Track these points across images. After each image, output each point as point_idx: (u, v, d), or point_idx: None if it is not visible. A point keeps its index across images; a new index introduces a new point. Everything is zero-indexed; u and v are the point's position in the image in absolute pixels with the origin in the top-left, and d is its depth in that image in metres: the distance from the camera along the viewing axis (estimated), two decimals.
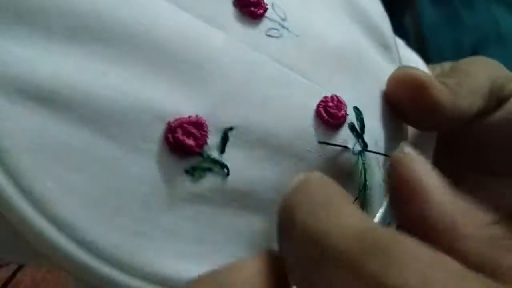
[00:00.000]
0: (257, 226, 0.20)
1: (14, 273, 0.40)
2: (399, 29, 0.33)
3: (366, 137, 0.22)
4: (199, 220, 0.18)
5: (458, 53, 0.47)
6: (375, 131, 0.23)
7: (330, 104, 0.21)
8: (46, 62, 0.16)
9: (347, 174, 0.22)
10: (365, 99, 0.24)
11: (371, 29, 0.27)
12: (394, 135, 0.25)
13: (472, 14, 0.56)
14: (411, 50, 0.33)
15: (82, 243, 0.15)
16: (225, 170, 0.18)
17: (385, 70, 0.25)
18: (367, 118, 0.23)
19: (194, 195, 0.18)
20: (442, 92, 0.23)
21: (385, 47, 0.27)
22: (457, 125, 0.26)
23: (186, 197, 0.18)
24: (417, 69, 0.24)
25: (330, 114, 0.21)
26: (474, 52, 0.54)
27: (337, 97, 0.21)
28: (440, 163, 0.26)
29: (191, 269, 0.17)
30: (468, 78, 0.26)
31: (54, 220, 0.15)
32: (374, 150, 0.23)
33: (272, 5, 0.22)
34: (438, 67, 0.31)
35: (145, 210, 0.17)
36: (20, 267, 0.39)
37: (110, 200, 0.16)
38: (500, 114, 0.27)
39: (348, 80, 0.23)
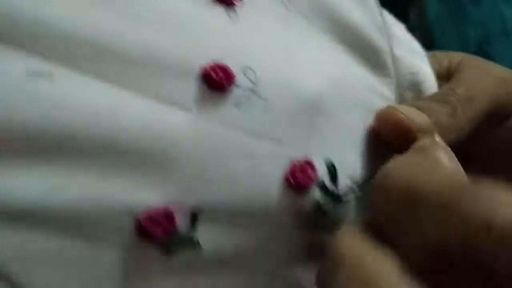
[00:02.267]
0: (244, 282, 0.22)
1: None
2: (403, 23, 0.33)
3: (341, 187, 0.23)
4: None
5: (463, 48, 0.46)
6: (353, 172, 0.24)
7: (298, 173, 0.22)
8: (17, 186, 0.18)
9: (326, 230, 0.23)
10: (345, 138, 0.24)
11: (363, 50, 0.27)
12: (379, 162, 0.25)
13: (477, 9, 0.55)
14: (411, 38, 0.32)
15: None
16: (198, 245, 0.20)
17: (376, 92, 0.26)
18: (344, 165, 0.23)
19: (170, 268, 0.20)
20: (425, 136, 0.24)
21: (379, 65, 0.27)
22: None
23: (164, 271, 0.20)
24: (400, 111, 0.24)
25: (297, 181, 0.22)
26: (480, 47, 0.53)
27: (305, 161, 0.22)
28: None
29: None
30: (465, 105, 0.26)
31: None
32: (352, 192, 0.23)
33: (244, 70, 0.22)
34: (445, 59, 0.30)
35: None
36: None
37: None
38: (501, 130, 0.27)
39: (328, 128, 0.24)
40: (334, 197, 0.23)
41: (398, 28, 0.29)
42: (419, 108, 0.25)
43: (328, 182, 0.23)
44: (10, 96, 0.18)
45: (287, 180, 0.21)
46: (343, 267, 0.16)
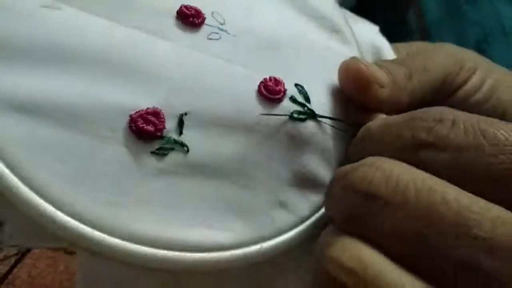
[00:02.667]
0: (224, 191, 0.23)
1: (11, 269, 0.40)
2: (402, 25, 0.33)
3: (314, 106, 0.25)
4: (169, 191, 0.22)
5: None
6: (323, 102, 0.26)
7: (269, 83, 0.24)
8: (25, 81, 0.21)
9: (300, 140, 0.24)
10: (310, 78, 0.26)
11: (319, 19, 0.30)
12: (345, 104, 0.27)
13: (475, 10, 0.55)
14: (372, 27, 0.34)
15: (72, 215, 0.20)
16: (185, 148, 0.22)
17: (336, 52, 0.29)
18: (313, 93, 0.25)
19: (161, 170, 0.22)
20: (383, 92, 0.25)
21: (337, 32, 0.30)
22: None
23: (154, 173, 0.22)
24: (362, 62, 0.26)
25: (269, 90, 0.24)
26: (478, 47, 0.53)
27: (274, 78, 0.24)
28: None
29: (161, 230, 0.21)
30: (420, 73, 0.27)
31: (51, 201, 0.20)
32: (326, 119, 0.25)
33: (212, 13, 0.25)
34: (405, 47, 0.32)
35: (117, 186, 0.21)
36: (16, 263, 0.39)
37: (89, 181, 0.20)
38: (450, 101, 0.28)
39: (286, 64, 0.26)
40: (307, 109, 0.25)
41: (351, 14, 0.33)
42: (379, 66, 0.26)
43: (299, 97, 0.25)
44: (25, 19, 0.21)
45: (259, 91, 0.24)
46: None
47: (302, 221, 0.24)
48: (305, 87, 0.25)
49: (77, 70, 0.21)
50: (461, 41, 0.59)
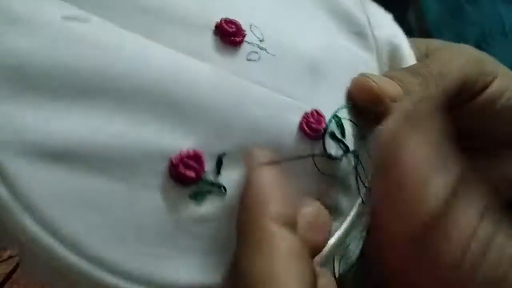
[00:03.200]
0: None
1: (16, 268, 0.40)
2: (402, 25, 0.33)
3: (348, 140, 0.25)
4: (211, 235, 0.21)
5: None
6: (354, 131, 0.25)
7: (311, 119, 0.23)
8: (56, 124, 0.18)
9: (334, 176, 0.24)
10: (341, 97, 0.25)
11: (344, 18, 0.28)
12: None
13: (476, 10, 0.55)
14: (386, 17, 0.33)
15: (112, 271, 0.18)
16: (222, 189, 0.21)
17: (361, 59, 0.28)
18: (346, 121, 0.25)
19: (199, 215, 0.21)
20: (393, 104, 0.25)
21: (360, 35, 0.29)
22: None
23: (195, 218, 0.20)
24: (372, 79, 0.25)
25: (311, 128, 0.23)
26: (478, 47, 0.53)
27: (316, 111, 0.24)
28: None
29: (209, 276, 0.20)
30: (439, 77, 0.27)
31: (91, 260, 0.18)
32: (357, 146, 0.25)
33: (250, 26, 0.23)
34: (424, 43, 0.32)
35: (159, 236, 0.20)
36: (19, 263, 0.39)
37: (129, 233, 0.19)
38: (473, 105, 0.28)
39: (326, 87, 0.25)
40: (343, 147, 0.24)
41: (374, 7, 0.31)
42: (391, 77, 0.26)
43: (337, 133, 0.24)
44: (46, 37, 0.18)
45: (301, 127, 0.23)
46: None
47: None
48: (340, 116, 0.25)
49: (114, 106, 0.19)
50: (460, 41, 0.58)
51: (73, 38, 0.19)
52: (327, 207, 0.25)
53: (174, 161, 0.20)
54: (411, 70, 0.28)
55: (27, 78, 0.18)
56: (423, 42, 0.31)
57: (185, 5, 0.22)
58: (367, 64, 0.28)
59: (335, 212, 0.26)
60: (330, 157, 0.24)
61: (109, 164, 0.19)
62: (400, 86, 0.26)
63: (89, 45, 0.19)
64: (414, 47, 0.31)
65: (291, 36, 0.25)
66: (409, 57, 0.30)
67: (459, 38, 0.56)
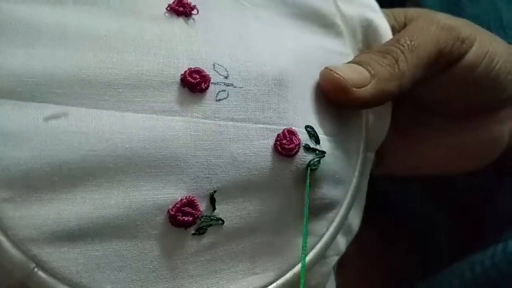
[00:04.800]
0: (259, 241, 0.26)
1: None
2: None
3: (323, 144, 0.27)
4: (214, 259, 0.24)
5: None
6: (328, 127, 0.28)
7: (283, 141, 0.25)
8: (65, 210, 0.21)
9: (317, 179, 0.27)
10: (314, 101, 0.27)
11: (311, 16, 0.30)
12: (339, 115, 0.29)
13: (474, 4, 0.55)
14: None
15: None
16: (220, 221, 0.25)
17: (336, 52, 0.30)
18: (321, 124, 0.27)
19: (204, 246, 0.24)
20: (365, 91, 0.26)
21: (329, 26, 0.30)
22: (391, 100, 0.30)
23: (199, 249, 0.24)
24: (335, 72, 0.26)
25: (284, 149, 0.25)
26: None
27: (288, 130, 0.26)
28: (407, 108, 0.28)
29: None
30: (410, 51, 0.27)
31: None
32: (334, 145, 0.27)
33: (214, 66, 0.25)
34: (402, 12, 0.32)
35: (173, 270, 0.23)
36: None
37: (150, 276, 0.23)
38: (451, 73, 0.28)
39: (296, 96, 0.27)
40: (319, 153, 0.27)
41: None
42: (358, 62, 0.26)
43: (311, 143, 0.27)
44: (34, 141, 0.21)
45: (276, 149, 0.25)
46: None
47: (320, 238, 0.28)
48: (312, 124, 0.27)
49: (107, 182, 0.22)
50: None
51: (58, 135, 0.21)
52: (322, 205, 0.26)
53: (172, 212, 0.23)
54: (380, 50, 0.28)
55: (33, 182, 0.21)
56: (401, 12, 0.31)
57: (149, 67, 0.23)
58: (341, 53, 0.30)
59: (330, 203, 0.28)
60: (310, 168, 0.26)
61: (118, 229, 0.22)
62: (367, 70, 0.26)
63: (73, 136, 0.22)
64: (392, 18, 0.31)
65: (256, 57, 0.26)
66: (385, 31, 0.30)
67: None
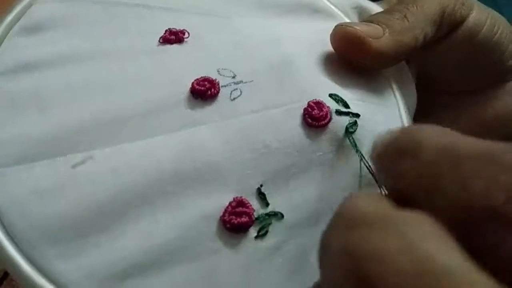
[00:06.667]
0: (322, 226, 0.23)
1: None
2: None
3: (353, 108, 0.25)
4: (288, 258, 0.22)
5: None
6: (357, 93, 0.26)
7: (313, 112, 0.24)
8: (112, 250, 0.20)
9: (359, 146, 0.25)
10: (335, 77, 0.26)
11: (297, 7, 0.29)
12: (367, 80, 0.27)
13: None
14: None
15: None
16: (279, 215, 0.22)
17: (331, 29, 0.27)
18: (346, 91, 0.25)
19: (272, 247, 0.22)
20: (380, 42, 0.25)
21: (320, 11, 0.30)
22: (408, 57, 0.27)
23: (269, 253, 0.22)
24: (348, 25, 0.25)
25: (315, 118, 0.24)
26: None
27: (312, 102, 0.24)
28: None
29: None
30: (416, 8, 0.26)
31: None
32: (369, 109, 0.25)
33: (218, 71, 0.24)
34: None
35: (247, 282, 0.21)
36: None
37: None
38: (455, 38, 0.27)
39: (310, 78, 0.26)
40: (352, 115, 0.25)
41: None
42: (369, 21, 0.26)
43: (341, 107, 0.25)
44: (69, 190, 0.21)
45: (306, 123, 0.24)
46: (367, 227, 0.13)
47: None
48: (337, 92, 0.25)
49: (151, 208, 0.21)
50: None
51: (89, 178, 0.21)
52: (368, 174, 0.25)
53: (225, 218, 0.21)
54: (387, 10, 0.27)
55: (77, 230, 0.20)
56: None
57: (157, 93, 0.23)
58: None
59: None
60: (347, 132, 0.24)
61: (175, 254, 0.21)
62: (378, 24, 0.25)
63: (104, 175, 0.21)
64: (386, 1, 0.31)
65: (257, 51, 0.26)
66: (378, 10, 0.30)
67: None
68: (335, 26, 0.26)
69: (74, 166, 0.21)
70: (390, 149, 0.15)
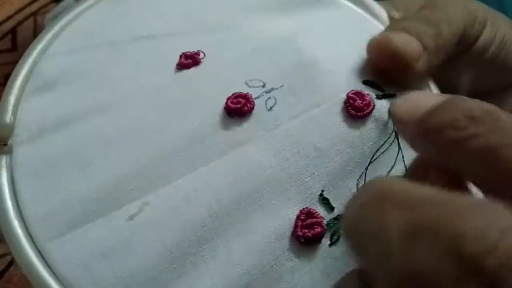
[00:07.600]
0: None
1: (8, 267, 0.39)
2: None
3: (386, 89, 0.25)
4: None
5: None
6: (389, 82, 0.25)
7: (355, 103, 0.23)
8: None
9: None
10: (354, 63, 0.25)
11: (305, 2, 0.29)
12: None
13: None
14: None
15: None
16: None
17: (348, 19, 0.28)
18: (375, 75, 0.25)
19: (334, 254, 0.22)
20: (420, 63, 0.24)
21: (331, 3, 0.29)
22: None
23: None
24: (394, 39, 0.24)
25: (360, 109, 0.23)
26: None
27: (351, 93, 0.24)
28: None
29: None
30: (446, 26, 0.26)
31: None
32: (395, 88, 0.25)
33: (247, 83, 0.24)
34: (404, 0, 0.30)
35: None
36: (13, 261, 0.39)
37: None
38: (466, 57, 0.27)
39: (339, 71, 0.25)
40: (389, 95, 0.25)
41: None
42: (407, 30, 0.25)
43: (379, 91, 0.24)
44: (134, 243, 0.20)
45: (350, 116, 0.23)
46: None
47: None
48: (368, 78, 0.25)
49: (222, 240, 0.21)
50: None
51: (151, 224, 0.20)
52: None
53: (299, 233, 0.21)
54: (424, 19, 0.26)
55: (153, 281, 0.20)
56: (402, 0, 0.31)
57: (192, 121, 0.23)
58: (357, 20, 0.28)
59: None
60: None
61: (258, 281, 0.21)
62: (420, 41, 0.25)
63: (165, 218, 0.21)
64: (393, 7, 0.30)
65: (278, 55, 0.25)
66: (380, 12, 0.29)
67: None
68: (379, 34, 0.25)
69: (131, 217, 0.21)
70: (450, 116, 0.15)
